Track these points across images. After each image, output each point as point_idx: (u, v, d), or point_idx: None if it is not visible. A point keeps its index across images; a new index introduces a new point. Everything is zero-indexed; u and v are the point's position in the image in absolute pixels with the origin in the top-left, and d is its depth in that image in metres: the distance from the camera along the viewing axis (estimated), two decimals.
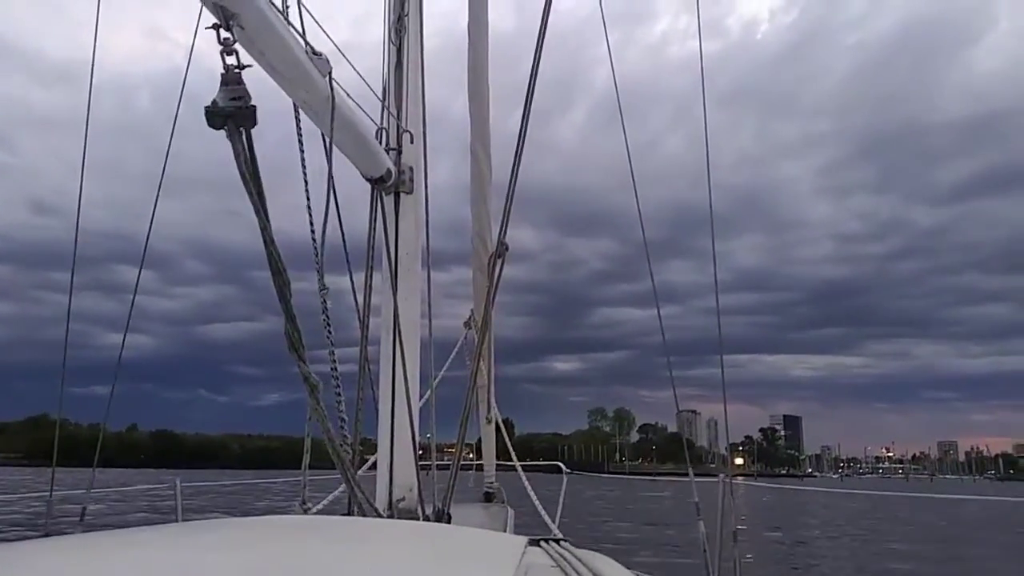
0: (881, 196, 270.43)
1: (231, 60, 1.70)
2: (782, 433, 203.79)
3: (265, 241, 1.82)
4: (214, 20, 1.72)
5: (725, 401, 3.79)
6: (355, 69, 2.86)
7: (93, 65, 3.26)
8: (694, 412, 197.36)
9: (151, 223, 3.38)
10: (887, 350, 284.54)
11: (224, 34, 1.69)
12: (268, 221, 1.80)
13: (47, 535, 2.90)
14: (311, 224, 2.62)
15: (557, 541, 1.96)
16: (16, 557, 1.03)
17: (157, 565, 1.00)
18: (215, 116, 1.61)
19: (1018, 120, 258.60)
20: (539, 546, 1.89)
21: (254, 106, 1.65)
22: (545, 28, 2.76)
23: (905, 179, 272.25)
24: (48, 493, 3.22)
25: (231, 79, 1.66)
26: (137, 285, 3.40)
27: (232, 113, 1.62)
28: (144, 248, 3.47)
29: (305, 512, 2.48)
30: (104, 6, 3.19)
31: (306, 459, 2.46)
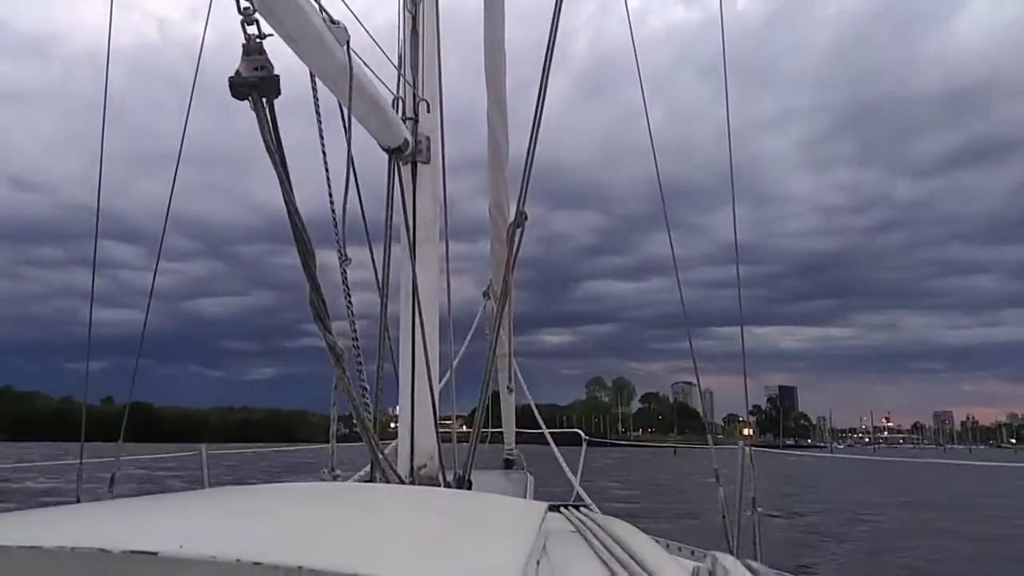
0: (863, 169, 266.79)
1: (252, 30, 1.68)
2: (780, 404, 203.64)
3: (289, 211, 1.83)
4: None
5: (745, 372, 3.79)
6: (372, 37, 2.83)
7: (109, 50, 3.26)
8: (688, 383, 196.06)
9: (169, 205, 3.38)
10: (875, 321, 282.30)
11: (244, 3, 1.68)
12: (292, 191, 1.81)
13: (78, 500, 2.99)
14: (330, 196, 2.63)
15: (577, 507, 1.99)
16: (49, 522, 1.05)
17: (188, 529, 1.02)
18: (239, 87, 1.60)
19: (996, 92, 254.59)
20: (559, 511, 1.92)
21: (278, 76, 1.64)
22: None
23: (887, 152, 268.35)
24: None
25: (253, 48, 1.65)
26: (156, 269, 3.43)
27: (256, 83, 1.61)
28: (161, 242, 3.48)
29: (334, 480, 2.54)
30: None
31: (333, 428, 2.50)
